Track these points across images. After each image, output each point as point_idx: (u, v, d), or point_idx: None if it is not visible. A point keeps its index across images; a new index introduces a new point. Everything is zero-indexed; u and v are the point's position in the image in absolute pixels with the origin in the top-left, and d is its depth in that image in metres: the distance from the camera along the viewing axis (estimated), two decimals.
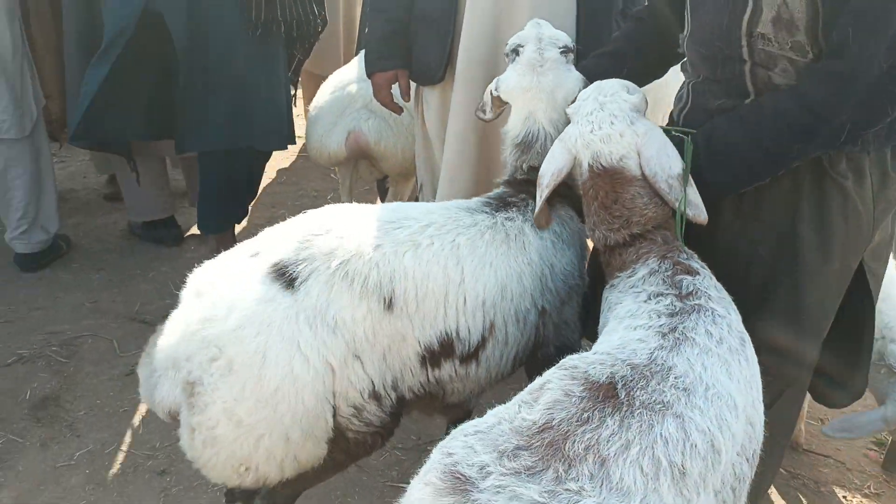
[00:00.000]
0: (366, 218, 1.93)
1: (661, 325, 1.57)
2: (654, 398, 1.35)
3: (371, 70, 2.94)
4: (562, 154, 1.99)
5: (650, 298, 1.70)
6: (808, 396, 3.02)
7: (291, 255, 1.77)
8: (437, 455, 1.29)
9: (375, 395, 1.84)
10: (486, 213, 2.08)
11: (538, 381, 1.45)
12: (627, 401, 1.33)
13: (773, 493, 2.88)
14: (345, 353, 1.76)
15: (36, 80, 3.96)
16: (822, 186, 1.86)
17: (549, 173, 1.99)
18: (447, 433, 2.56)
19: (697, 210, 1.85)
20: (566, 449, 1.22)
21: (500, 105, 2.32)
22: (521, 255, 2.04)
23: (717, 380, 1.45)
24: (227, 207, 3.92)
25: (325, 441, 1.81)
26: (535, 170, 2.13)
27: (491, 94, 2.31)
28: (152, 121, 3.78)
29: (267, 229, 1.94)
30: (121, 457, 2.75)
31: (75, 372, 3.21)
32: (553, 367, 1.49)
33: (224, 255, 1.89)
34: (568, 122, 2.07)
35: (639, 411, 1.31)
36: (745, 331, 1.69)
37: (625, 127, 1.90)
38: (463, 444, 1.27)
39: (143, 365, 1.90)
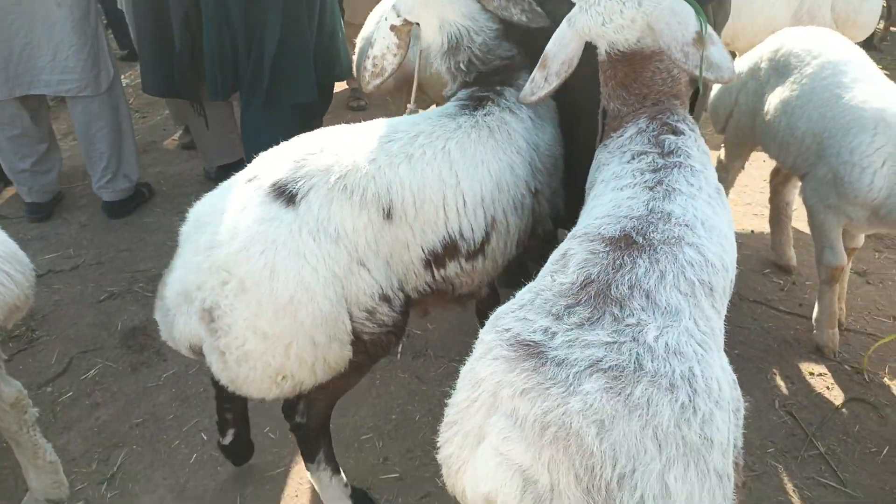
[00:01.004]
0: (357, 135, 1.99)
1: (646, 181, 1.69)
2: (667, 236, 1.50)
3: None
4: (573, 40, 2.01)
5: (633, 158, 1.80)
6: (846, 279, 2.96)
7: (289, 174, 1.82)
8: (492, 335, 1.35)
9: (385, 298, 1.92)
10: (467, 114, 2.12)
11: (555, 253, 1.57)
12: (647, 243, 1.48)
13: (834, 386, 2.84)
14: (348, 262, 1.83)
15: (108, 38, 4.19)
16: None
17: (560, 60, 2.03)
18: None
19: (720, 71, 1.88)
20: (613, 293, 1.35)
21: (407, 32, 2.29)
22: (508, 146, 2.11)
23: (707, 216, 1.60)
24: None
25: (349, 343, 1.90)
26: (474, 63, 2.23)
27: (392, 27, 2.28)
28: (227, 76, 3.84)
29: (261, 154, 1.99)
30: (202, 377, 3.00)
31: None
32: (564, 240, 1.61)
33: (221, 186, 1.93)
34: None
35: (660, 247, 1.47)
36: (720, 185, 1.82)
37: (634, 12, 1.90)
38: (514, 318, 1.36)
39: (157, 309, 1.95)
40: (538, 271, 2.47)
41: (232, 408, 2.33)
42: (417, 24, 2.28)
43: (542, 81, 2.07)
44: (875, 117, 2.58)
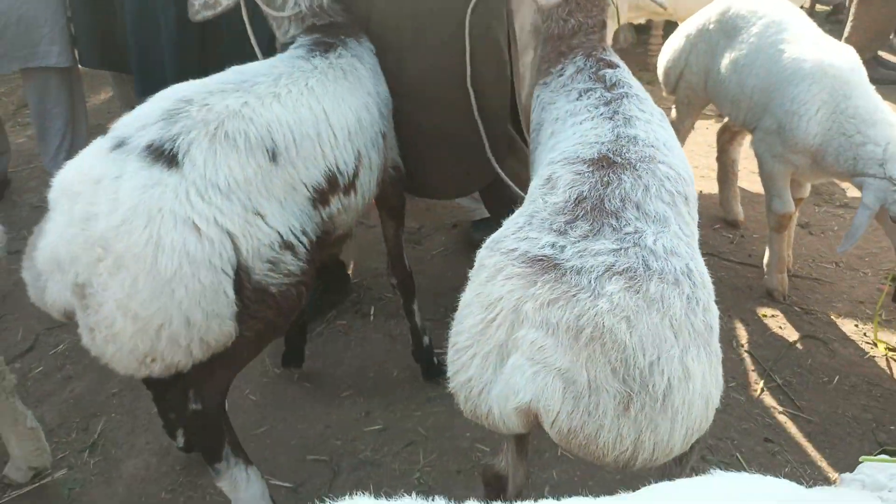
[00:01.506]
0: (216, 83, 1.93)
1: (602, 113, 1.82)
2: (640, 155, 1.62)
3: None
4: None
5: (581, 96, 1.95)
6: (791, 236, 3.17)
7: (163, 132, 1.70)
8: (497, 257, 1.42)
9: (287, 245, 1.87)
10: (319, 56, 2.18)
11: (540, 178, 1.68)
12: (626, 161, 1.60)
13: (786, 326, 3.02)
14: (244, 214, 1.75)
15: None
16: None
17: None
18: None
19: None
20: (607, 207, 1.47)
21: None
22: (360, 88, 2.24)
23: (665, 138, 1.75)
24: None
25: (231, 317, 1.75)
26: (329, 9, 2.35)
27: None
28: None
29: (120, 119, 1.83)
30: None
31: None
32: (544, 166, 1.72)
33: (83, 153, 1.77)
34: None
35: (639, 164, 1.59)
36: (660, 109, 1.98)
37: None
38: (517, 239, 1.45)
39: (27, 268, 1.81)
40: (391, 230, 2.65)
41: (173, 406, 2.23)
42: None
43: None
44: (813, 68, 2.76)
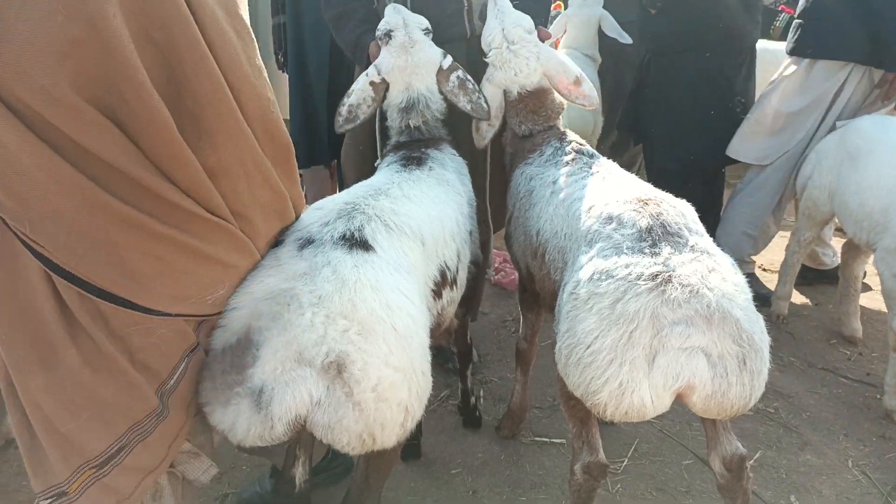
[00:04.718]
0: (362, 191, 2.18)
1: (599, 171, 2.35)
2: (657, 194, 2.12)
3: None
4: (496, 92, 2.75)
5: (569, 163, 2.47)
6: None
7: (349, 225, 1.92)
8: (612, 284, 1.76)
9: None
10: (416, 169, 2.46)
11: (597, 218, 2.02)
12: (655, 199, 2.03)
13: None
14: (420, 294, 1.98)
15: None
16: None
17: (494, 108, 2.74)
18: None
19: (590, 100, 2.74)
20: (671, 230, 1.89)
21: (383, 88, 2.70)
22: (453, 193, 2.48)
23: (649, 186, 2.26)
24: None
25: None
26: (420, 128, 2.67)
27: (371, 83, 2.67)
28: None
29: (289, 230, 1.99)
30: None
31: None
32: (595, 208, 2.08)
33: (272, 261, 1.87)
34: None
35: (662, 200, 2.03)
36: None
37: (535, 63, 2.70)
38: (622, 266, 1.79)
39: (231, 400, 1.68)
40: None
41: None
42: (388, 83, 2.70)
43: (486, 126, 2.79)
44: None
